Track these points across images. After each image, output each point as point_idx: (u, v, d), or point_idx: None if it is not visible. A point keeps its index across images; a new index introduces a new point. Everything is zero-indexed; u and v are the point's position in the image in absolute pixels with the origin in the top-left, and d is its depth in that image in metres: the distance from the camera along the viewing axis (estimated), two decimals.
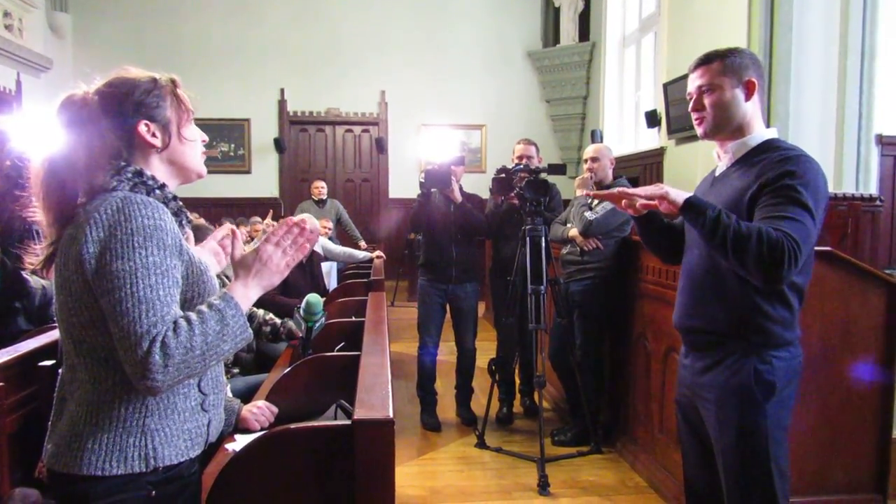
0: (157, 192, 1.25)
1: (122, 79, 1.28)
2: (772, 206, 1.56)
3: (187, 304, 1.24)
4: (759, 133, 1.72)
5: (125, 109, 1.24)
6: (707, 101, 1.72)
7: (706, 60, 1.73)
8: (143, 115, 1.25)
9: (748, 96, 1.70)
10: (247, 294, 1.23)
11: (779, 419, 1.64)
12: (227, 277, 2.99)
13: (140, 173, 1.24)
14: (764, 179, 1.59)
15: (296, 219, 1.30)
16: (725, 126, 1.72)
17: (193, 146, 1.33)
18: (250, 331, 1.22)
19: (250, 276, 1.25)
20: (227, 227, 1.57)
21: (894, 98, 4.84)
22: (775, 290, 1.62)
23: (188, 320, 1.14)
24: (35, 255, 1.29)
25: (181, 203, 1.31)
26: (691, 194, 1.61)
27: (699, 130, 1.77)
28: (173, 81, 1.32)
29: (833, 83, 4.64)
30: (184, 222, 1.30)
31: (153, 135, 1.26)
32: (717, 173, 1.81)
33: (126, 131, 1.25)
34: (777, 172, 1.58)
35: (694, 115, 1.77)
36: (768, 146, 1.69)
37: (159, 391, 1.12)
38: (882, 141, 4.81)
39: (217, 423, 1.36)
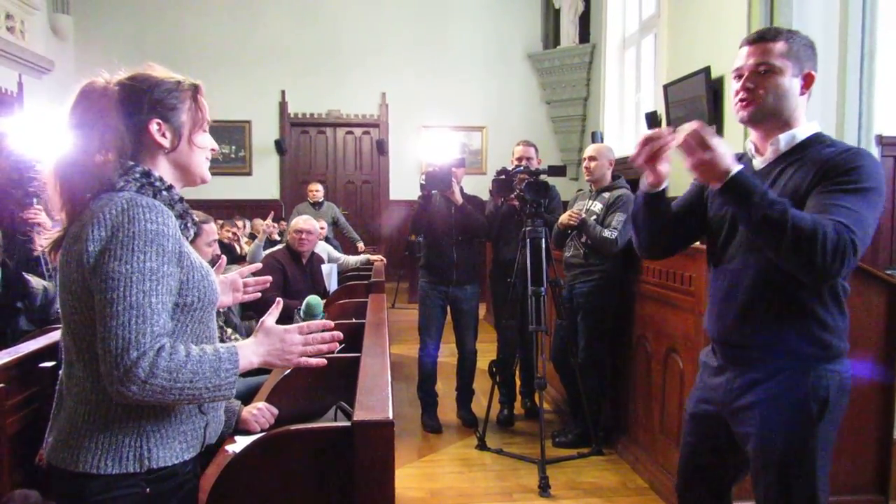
0: (164, 193, 1.25)
1: (146, 75, 1.28)
2: (826, 194, 1.42)
3: (187, 308, 1.24)
4: (807, 126, 1.57)
5: (141, 105, 1.25)
6: (764, 82, 1.52)
7: (770, 36, 1.54)
8: (158, 113, 1.25)
9: (804, 89, 1.55)
10: (251, 360, 1.25)
11: (828, 439, 1.53)
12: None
13: (148, 174, 1.24)
14: (823, 173, 1.45)
15: (337, 333, 1.32)
16: (777, 115, 1.55)
17: (202, 153, 1.33)
18: (233, 391, 1.22)
19: (264, 347, 1.27)
20: (269, 286, 1.64)
21: (894, 98, 4.84)
22: (833, 293, 1.51)
23: (188, 353, 1.15)
24: (46, 238, 1.30)
25: (188, 205, 1.31)
26: (739, 168, 1.39)
27: (743, 113, 1.56)
28: (196, 87, 1.32)
29: (833, 83, 4.64)
30: (189, 224, 1.30)
31: (163, 135, 1.26)
32: (756, 168, 1.62)
33: (138, 127, 1.25)
34: (838, 166, 1.44)
35: (741, 95, 1.56)
36: (817, 140, 1.55)
37: (128, 401, 1.13)
38: (882, 141, 4.81)
39: (216, 425, 1.37)
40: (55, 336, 2.20)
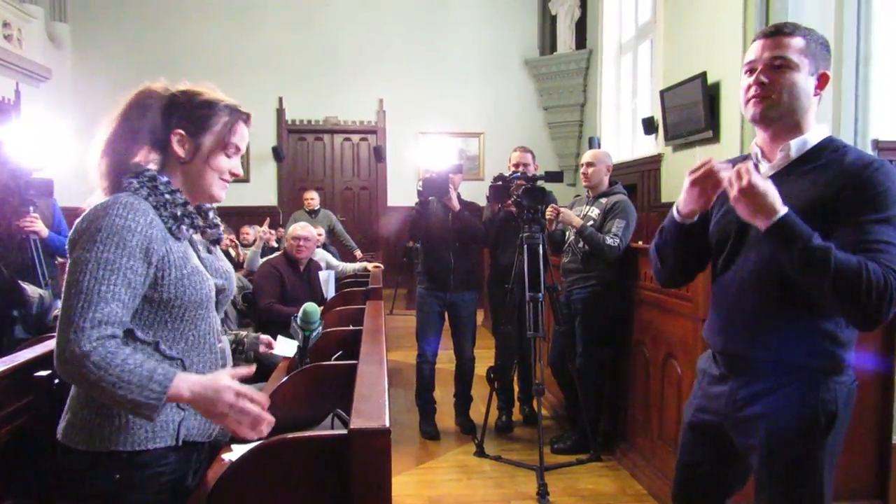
0: (167, 196, 1.33)
1: (194, 91, 1.41)
2: (861, 227, 1.36)
3: (164, 304, 1.31)
4: (818, 130, 1.50)
5: (172, 115, 1.37)
6: (780, 77, 1.45)
7: (788, 31, 1.47)
8: (184, 126, 1.36)
9: (818, 90, 1.49)
10: (182, 392, 1.22)
11: (834, 451, 1.49)
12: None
13: (154, 178, 1.33)
14: (848, 194, 1.39)
15: (266, 416, 1.27)
16: (791, 114, 1.47)
17: (213, 174, 1.40)
18: (154, 414, 1.20)
19: (199, 388, 1.24)
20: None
21: (890, 103, 4.85)
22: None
23: (124, 359, 1.19)
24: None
25: (191, 209, 1.38)
26: (788, 210, 1.34)
27: (755, 110, 1.48)
28: (238, 114, 1.41)
29: (829, 89, 4.65)
30: (183, 227, 1.35)
31: (182, 146, 1.36)
32: (764, 173, 1.53)
33: (165, 133, 1.36)
34: (864, 188, 1.38)
35: (754, 90, 1.47)
36: (830, 146, 1.48)
37: (60, 373, 1.22)
38: (878, 146, 4.82)
39: (197, 423, 1.38)
40: (51, 345, 2.18)
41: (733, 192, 1.37)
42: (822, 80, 1.49)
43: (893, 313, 1.34)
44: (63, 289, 1.25)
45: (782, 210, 1.35)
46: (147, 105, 1.36)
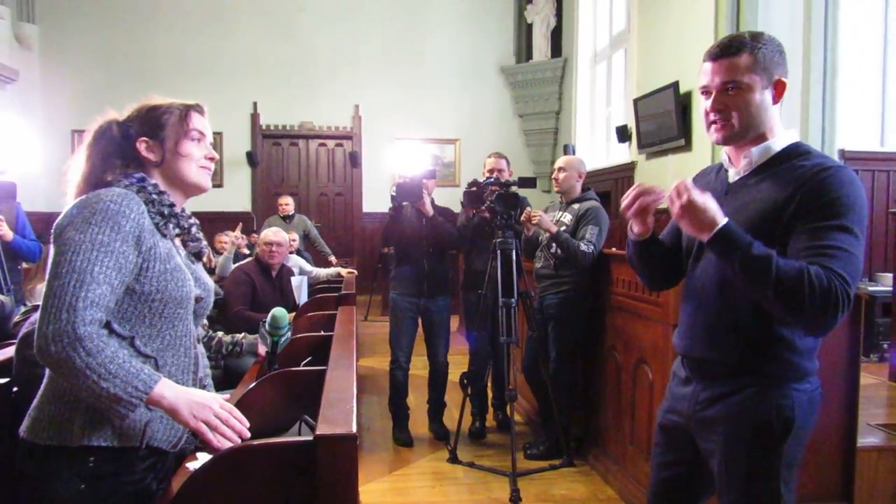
0: (155, 196, 1.37)
1: (140, 105, 1.46)
2: (815, 233, 1.36)
3: (146, 297, 1.32)
4: (782, 137, 1.51)
5: (132, 128, 1.43)
6: (734, 102, 1.46)
7: (733, 51, 1.45)
8: (145, 132, 1.42)
9: (776, 98, 1.48)
10: (164, 394, 1.26)
11: (793, 458, 1.50)
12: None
13: (143, 179, 1.38)
14: (803, 199, 1.39)
15: (246, 432, 1.36)
16: (751, 129, 1.48)
17: (188, 161, 1.43)
18: (130, 412, 1.24)
19: (185, 394, 1.29)
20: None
21: (856, 114, 4.97)
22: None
23: (115, 350, 1.21)
24: None
25: (177, 211, 1.42)
26: (726, 222, 1.37)
27: (717, 136, 1.51)
28: (187, 106, 1.46)
29: (797, 100, 4.76)
30: (170, 225, 1.39)
31: (150, 150, 1.41)
32: (730, 180, 1.58)
33: (131, 147, 1.41)
34: (818, 192, 1.38)
35: (712, 116, 1.50)
36: (794, 152, 1.49)
37: (43, 360, 1.20)
38: (845, 156, 4.93)
39: (166, 428, 1.37)
40: (9, 352, 2.13)
41: (675, 210, 1.41)
42: (779, 88, 1.49)
43: (842, 318, 1.34)
44: (49, 269, 1.24)
45: (721, 221, 1.38)
46: (106, 131, 1.42)
